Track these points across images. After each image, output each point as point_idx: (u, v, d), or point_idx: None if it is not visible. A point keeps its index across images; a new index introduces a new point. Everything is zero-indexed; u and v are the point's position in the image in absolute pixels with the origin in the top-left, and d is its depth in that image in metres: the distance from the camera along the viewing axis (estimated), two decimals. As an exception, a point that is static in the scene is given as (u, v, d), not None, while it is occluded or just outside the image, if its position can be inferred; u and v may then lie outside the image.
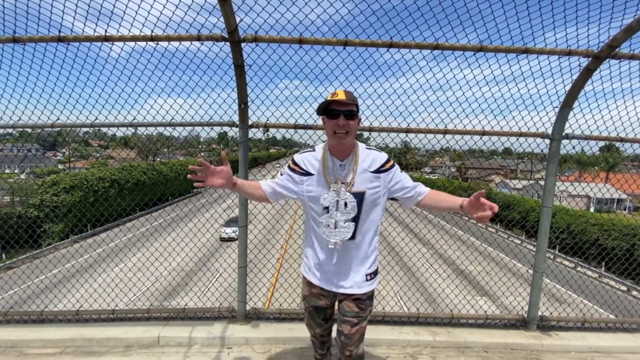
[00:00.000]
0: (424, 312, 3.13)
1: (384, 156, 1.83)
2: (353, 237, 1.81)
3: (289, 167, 1.88)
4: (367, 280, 1.89)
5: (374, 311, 3.13)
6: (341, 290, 1.88)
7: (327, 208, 1.79)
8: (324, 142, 1.92)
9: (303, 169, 1.84)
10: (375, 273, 1.93)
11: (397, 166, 1.85)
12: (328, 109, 1.73)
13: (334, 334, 2.09)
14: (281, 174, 1.89)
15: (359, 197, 1.78)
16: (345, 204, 1.77)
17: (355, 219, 1.80)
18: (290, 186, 1.87)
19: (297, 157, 1.87)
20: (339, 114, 1.70)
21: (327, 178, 1.79)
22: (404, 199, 1.87)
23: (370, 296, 1.94)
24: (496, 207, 1.60)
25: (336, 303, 2.02)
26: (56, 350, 2.71)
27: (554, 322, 3.15)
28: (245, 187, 1.88)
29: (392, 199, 1.91)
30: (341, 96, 1.69)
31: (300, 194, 1.87)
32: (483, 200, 1.61)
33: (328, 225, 1.79)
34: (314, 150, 1.88)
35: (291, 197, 1.90)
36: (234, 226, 20.47)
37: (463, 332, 2.99)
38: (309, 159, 1.85)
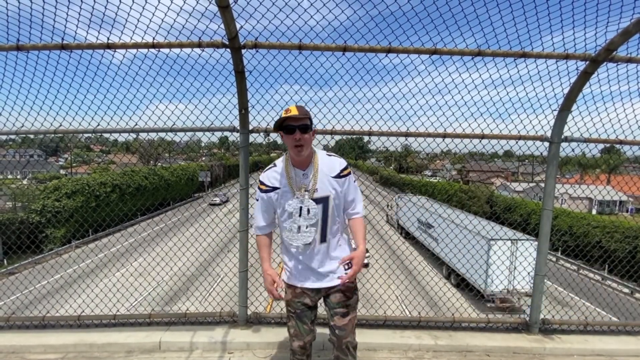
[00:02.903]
0: (425, 315, 3.12)
1: (343, 162, 1.97)
2: (324, 239, 1.95)
3: (259, 189, 2.00)
4: (345, 269, 1.99)
5: (375, 314, 3.14)
6: (325, 285, 1.99)
7: (290, 214, 1.91)
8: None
9: (269, 186, 1.96)
10: (351, 263, 2.01)
11: (352, 175, 2.01)
12: (283, 125, 1.84)
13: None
14: (257, 200, 2.03)
15: (324, 201, 1.91)
16: (308, 211, 1.89)
17: (324, 223, 1.93)
18: (269, 206, 2.00)
19: (262, 176, 2.00)
20: (294, 129, 1.82)
21: (292, 187, 1.91)
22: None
23: (352, 287, 2.04)
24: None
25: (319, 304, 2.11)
26: (58, 355, 2.72)
27: (556, 326, 3.14)
28: (269, 252, 2.09)
29: None
30: (294, 112, 1.81)
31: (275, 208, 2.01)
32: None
33: (291, 230, 1.92)
34: (275, 166, 2.00)
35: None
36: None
37: (465, 335, 2.99)
38: (272, 175, 1.97)
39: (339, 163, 1.95)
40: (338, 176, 1.93)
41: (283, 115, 1.83)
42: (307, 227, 1.90)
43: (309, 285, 2.00)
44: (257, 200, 2.02)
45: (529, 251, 13.97)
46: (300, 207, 1.89)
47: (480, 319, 3.15)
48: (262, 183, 1.98)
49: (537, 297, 3.06)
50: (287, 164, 1.95)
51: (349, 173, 1.98)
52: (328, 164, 1.94)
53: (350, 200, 2.01)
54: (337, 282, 1.98)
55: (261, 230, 2.06)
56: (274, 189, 1.95)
